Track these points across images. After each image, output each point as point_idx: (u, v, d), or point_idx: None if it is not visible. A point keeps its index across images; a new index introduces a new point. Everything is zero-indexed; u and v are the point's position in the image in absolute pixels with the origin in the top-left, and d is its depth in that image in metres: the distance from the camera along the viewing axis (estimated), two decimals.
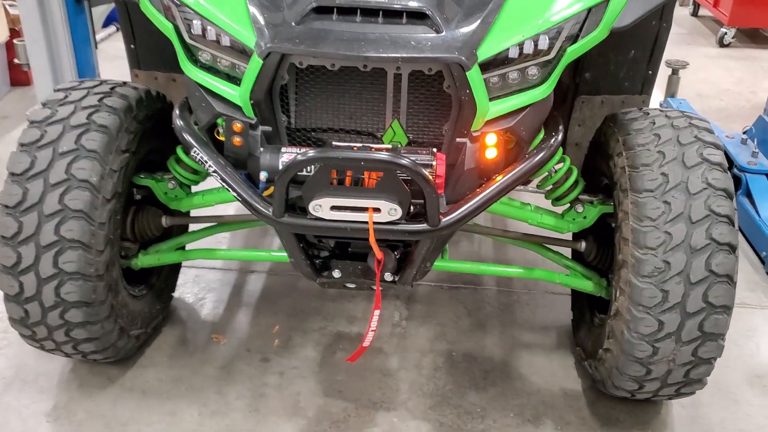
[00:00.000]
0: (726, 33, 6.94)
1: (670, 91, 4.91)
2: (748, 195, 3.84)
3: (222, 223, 2.96)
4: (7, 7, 5.13)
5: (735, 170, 3.96)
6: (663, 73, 5.05)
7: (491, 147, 2.21)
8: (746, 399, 2.78)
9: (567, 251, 2.99)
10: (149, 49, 3.09)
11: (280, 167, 2.14)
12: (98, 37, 5.87)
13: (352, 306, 3.19)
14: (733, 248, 2.22)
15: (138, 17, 2.92)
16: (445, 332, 3.06)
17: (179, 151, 2.65)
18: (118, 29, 6.63)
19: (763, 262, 3.59)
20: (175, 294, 3.15)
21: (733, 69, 6.42)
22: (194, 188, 2.84)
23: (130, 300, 2.68)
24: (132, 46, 3.09)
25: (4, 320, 2.75)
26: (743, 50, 6.97)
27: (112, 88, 2.56)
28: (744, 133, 4.22)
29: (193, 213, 3.08)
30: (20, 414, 2.59)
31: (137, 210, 2.75)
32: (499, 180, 2.20)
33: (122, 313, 2.59)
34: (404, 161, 2.01)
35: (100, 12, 6.21)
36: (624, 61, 2.96)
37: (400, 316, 3.15)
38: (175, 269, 3.10)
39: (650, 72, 3.01)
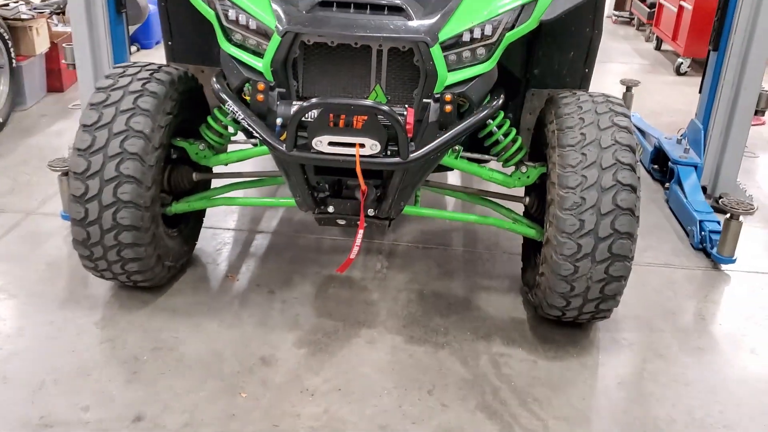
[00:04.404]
0: (682, 63, 7.75)
1: None
2: (679, 182, 4.57)
3: (240, 181, 3.66)
4: (50, 23, 5.94)
5: (670, 163, 4.71)
6: (618, 90, 5.83)
7: (448, 105, 2.92)
8: (659, 326, 3.46)
9: (517, 208, 3.69)
10: (182, 46, 3.81)
11: (292, 113, 2.85)
12: None
13: (343, 258, 3.83)
14: (634, 188, 2.90)
15: (175, 18, 3.67)
16: (418, 278, 3.74)
17: (209, 119, 3.36)
18: (138, 49, 7.45)
19: (688, 235, 4.29)
20: (197, 246, 3.83)
21: (687, 93, 7.17)
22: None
23: (165, 236, 3.36)
24: (169, 42, 3.81)
25: (61, 253, 3.43)
26: (697, 78, 7.67)
27: (159, 68, 3.28)
28: (680, 134, 4.97)
29: (216, 173, 3.79)
30: (75, 322, 3.25)
31: (173, 167, 3.45)
32: (454, 128, 2.92)
33: (160, 243, 3.27)
34: (384, 107, 2.73)
35: None
36: (565, 61, 3.67)
37: (381, 265, 3.83)
38: (199, 221, 3.79)
39: (587, 70, 3.72)
